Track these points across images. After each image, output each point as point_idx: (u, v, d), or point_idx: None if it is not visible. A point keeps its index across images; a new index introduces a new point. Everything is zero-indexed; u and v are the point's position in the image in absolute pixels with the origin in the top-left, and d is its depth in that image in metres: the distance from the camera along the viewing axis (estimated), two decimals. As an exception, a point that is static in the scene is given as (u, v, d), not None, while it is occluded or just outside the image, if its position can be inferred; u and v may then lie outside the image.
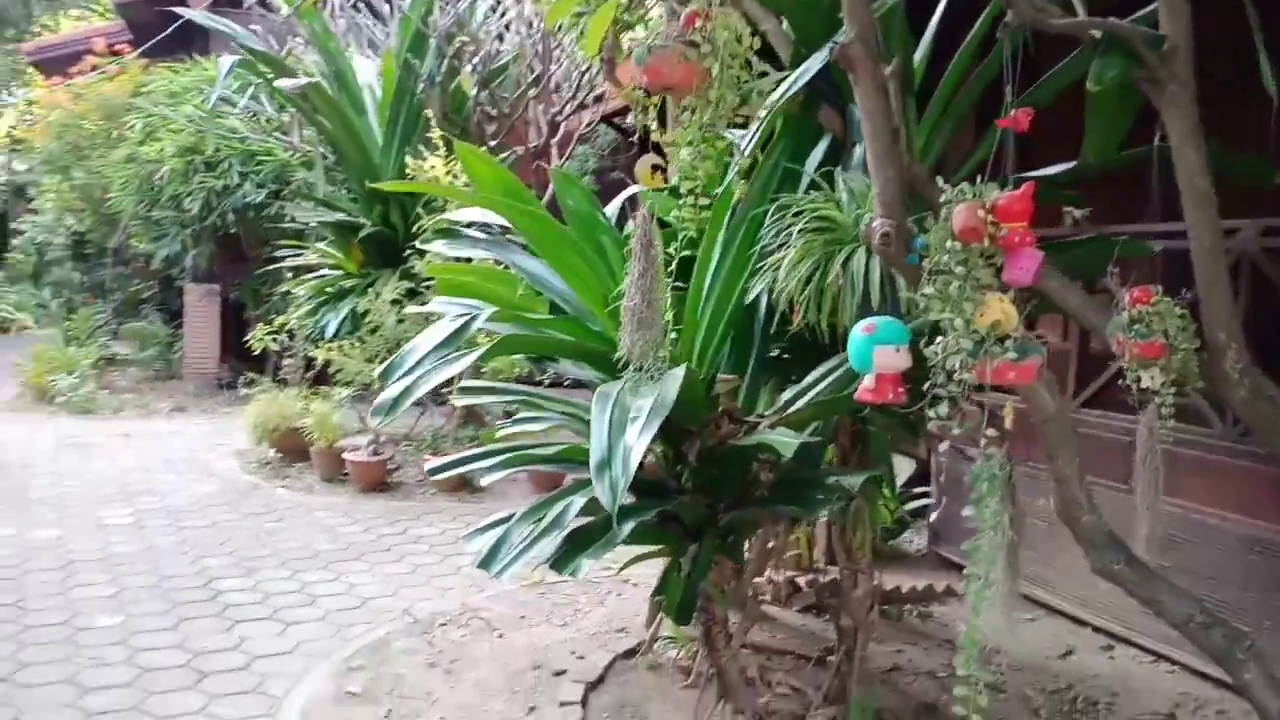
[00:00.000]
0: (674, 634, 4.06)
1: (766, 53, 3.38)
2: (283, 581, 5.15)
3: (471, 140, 8.44)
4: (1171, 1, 2.60)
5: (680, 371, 2.44)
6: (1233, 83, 3.23)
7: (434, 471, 3.31)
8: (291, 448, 7.87)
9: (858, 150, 3.05)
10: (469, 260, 3.88)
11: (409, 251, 7.22)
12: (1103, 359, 4.52)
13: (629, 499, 3.15)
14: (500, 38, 8.58)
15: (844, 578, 3.66)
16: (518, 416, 3.48)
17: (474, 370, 6.74)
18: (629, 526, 2.76)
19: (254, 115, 10.14)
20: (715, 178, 2.88)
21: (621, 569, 3.85)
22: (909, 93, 3.27)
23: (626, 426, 2.25)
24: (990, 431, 2.08)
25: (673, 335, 2.70)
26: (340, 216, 8.72)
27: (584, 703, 3.71)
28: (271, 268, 9.73)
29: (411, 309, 6.32)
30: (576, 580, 5.06)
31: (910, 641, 4.42)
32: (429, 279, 5.65)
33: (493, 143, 8.48)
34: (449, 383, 3.91)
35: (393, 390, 2.64)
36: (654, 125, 2.47)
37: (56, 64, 15.16)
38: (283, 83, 7.99)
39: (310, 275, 8.77)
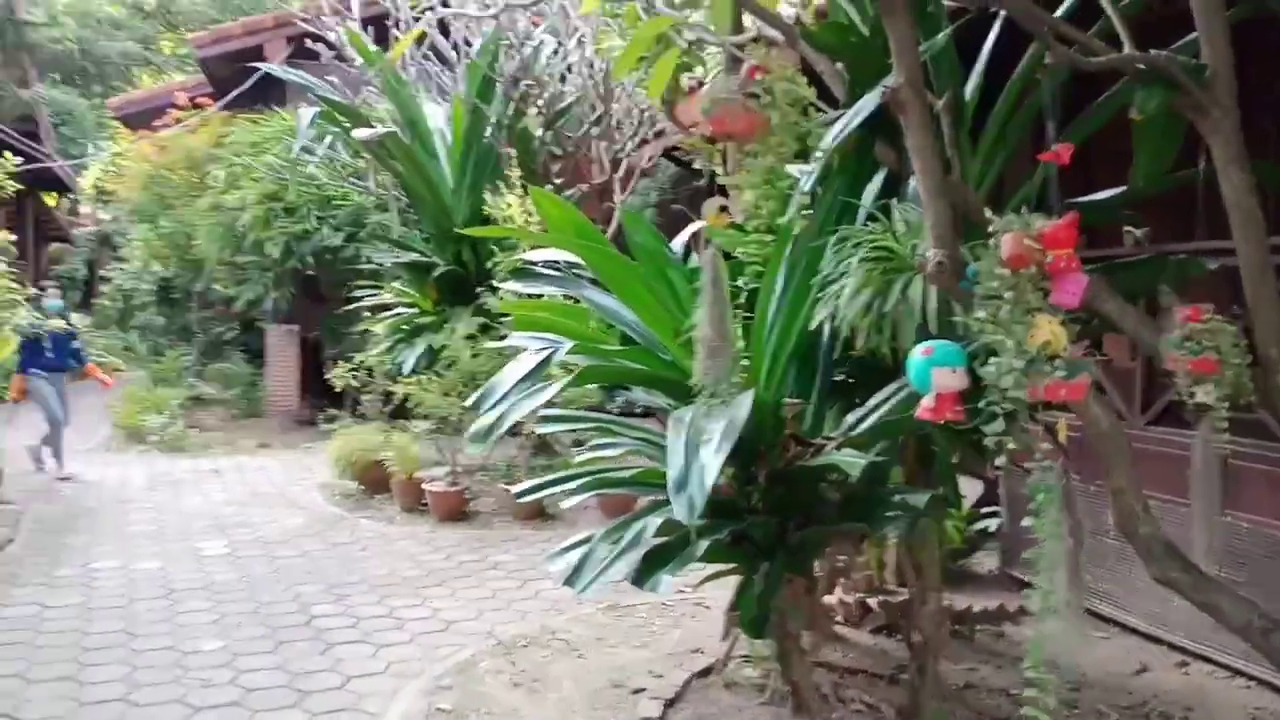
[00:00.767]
0: (750, 652, 4.18)
1: (823, 93, 3.57)
2: (371, 606, 5.39)
3: (537, 179, 8.75)
4: (1211, 32, 2.73)
5: (749, 396, 2.60)
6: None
7: (520, 495, 3.51)
8: (373, 480, 8.17)
9: (912, 183, 3.19)
10: (540, 296, 4.09)
11: (481, 289, 7.51)
12: (1170, 377, 4.57)
13: (703, 518, 3.32)
14: (563, 79, 8.86)
15: (914, 595, 3.77)
16: (593, 443, 3.66)
17: (550, 401, 6.97)
18: (704, 544, 2.92)
19: (331, 162, 10.57)
20: (777, 212, 3.04)
21: (697, 587, 3.99)
22: (961, 125, 3.41)
23: (701, 448, 2.42)
24: (1045, 445, 2.20)
25: (743, 362, 2.85)
26: (414, 256, 9.04)
27: (663, 719, 3.85)
28: (349, 307, 10.09)
29: (488, 344, 6.57)
30: (652, 603, 5.25)
31: (983, 660, 4.48)
32: (502, 315, 5.89)
33: (558, 180, 8.75)
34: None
35: (486, 420, 2.84)
36: (719, 169, 2.64)
37: (141, 118, 15.88)
38: (360, 133, 8.36)
39: (386, 314, 9.09)
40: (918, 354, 2.29)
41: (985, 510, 5.42)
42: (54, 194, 25.60)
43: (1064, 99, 3.30)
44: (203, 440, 11.11)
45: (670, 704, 3.99)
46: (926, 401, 2.30)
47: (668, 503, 2.63)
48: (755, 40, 3.26)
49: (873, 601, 4.91)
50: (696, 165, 2.74)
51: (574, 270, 3.78)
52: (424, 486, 7.64)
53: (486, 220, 7.86)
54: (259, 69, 10.69)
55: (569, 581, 2.93)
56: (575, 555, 3.03)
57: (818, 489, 3.34)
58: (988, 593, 5.13)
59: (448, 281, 8.71)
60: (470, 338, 7.36)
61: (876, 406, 3.28)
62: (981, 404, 2.20)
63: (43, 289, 9.75)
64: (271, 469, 9.81)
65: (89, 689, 4.25)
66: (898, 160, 3.47)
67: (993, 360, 2.18)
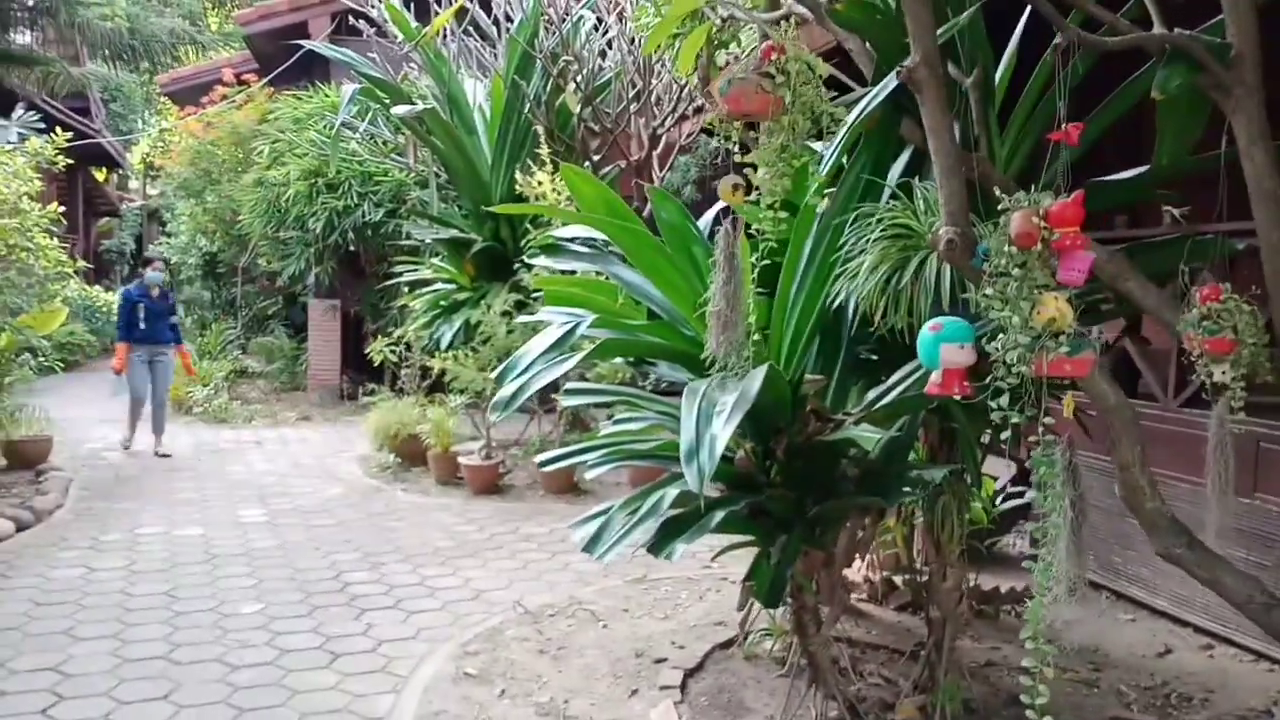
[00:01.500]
0: (770, 626, 4.25)
1: (853, 70, 3.57)
2: (404, 575, 5.52)
3: (576, 155, 8.79)
4: (1238, 13, 2.71)
5: (763, 370, 2.65)
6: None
7: (544, 464, 3.58)
8: (410, 453, 8.33)
9: (937, 160, 3.20)
10: (574, 273, 4.15)
11: (518, 265, 7.59)
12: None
13: (721, 490, 3.39)
14: (603, 55, 8.88)
15: (933, 571, 3.80)
16: (617, 417, 3.73)
17: (580, 377, 7.05)
18: (720, 515, 2.98)
19: (372, 138, 10.69)
20: (802, 189, 3.07)
21: (715, 557, 4.05)
22: (989, 103, 3.41)
23: (713, 419, 2.47)
24: (1048, 420, 2.23)
25: (756, 338, 2.90)
26: (453, 233, 9.13)
27: (683, 687, 3.93)
28: (389, 283, 10.24)
29: (521, 319, 6.66)
30: (678, 577, 5.33)
31: (1006, 640, 4.51)
32: (537, 291, 5.97)
33: (596, 157, 8.78)
34: (557, 391, 4.21)
35: (508, 389, 2.92)
36: (735, 148, 2.68)
37: (189, 94, 16.12)
38: (399, 109, 8.45)
39: (425, 289, 9.21)
40: (927, 330, 2.33)
41: (1014, 490, 5.42)
42: (104, 169, 26.14)
43: (1098, 79, 3.30)
44: (246, 412, 11.35)
45: (691, 674, 4.07)
46: (935, 377, 2.33)
47: (686, 474, 2.68)
48: (786, 18, 3.29)
49: (899, 579, 4.96)
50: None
51: (604, 247, 3.83)
52: (459, 460, 7.77)
53: (523, 197, 7.93)
54: (302, 46, 10.82)
55: (588, 548, 3.01)
56: (595, 524, 3.10)
57: (836, 464, 3.38)
58: (1016, 574, 5.15)
59: (485, 257, 8.80)
60: (506, 313, 7.45)
61: (897, 383, 3.31)
62: (987, 379, 2.22)
63: (147, 260, 9.81)
64: (312, 441, 10.02)
65: (131, 647, 4.41)
66: (924, 138, 3.48)
67: (1000, 336, 2.21)
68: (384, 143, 10.67)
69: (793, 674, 3.86)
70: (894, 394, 3.24)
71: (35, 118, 11.77)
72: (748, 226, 3.08)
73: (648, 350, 3.48)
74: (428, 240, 9.57)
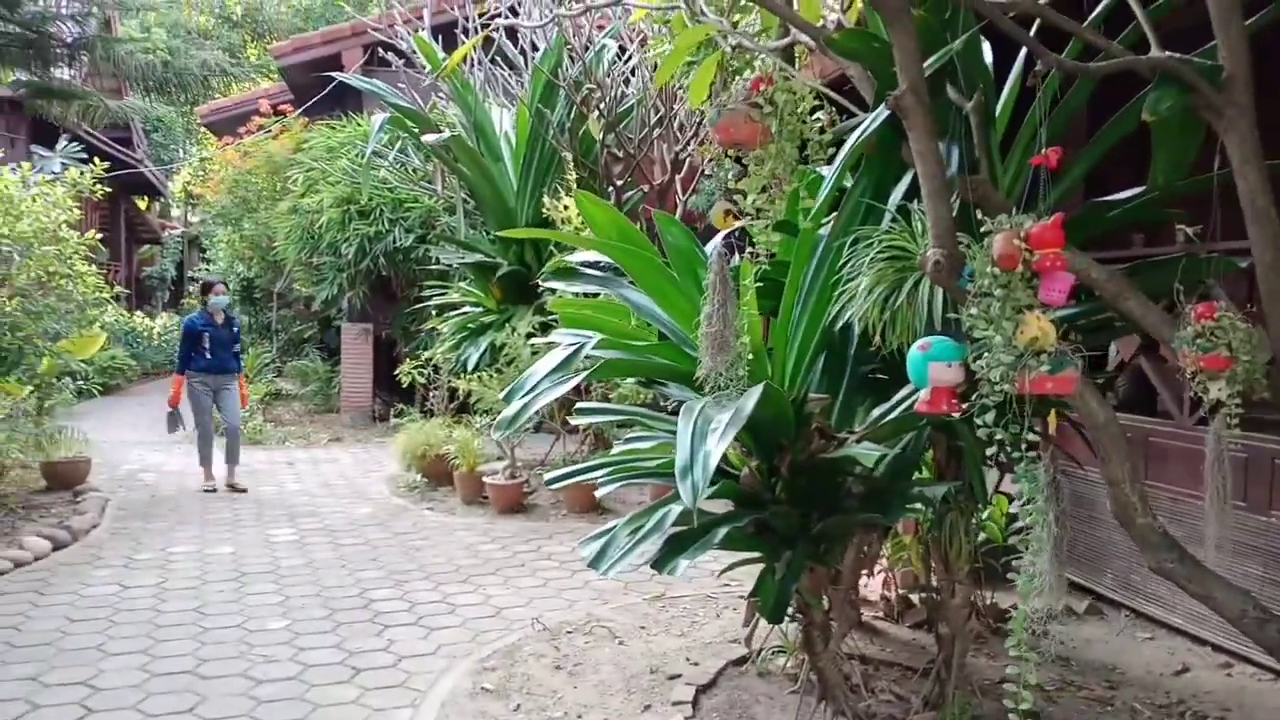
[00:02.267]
0: (782, 643, 4.29)
1: (860, 97, 3.65)
2: (427, 592, 5.62)
3: (600, 181, 8.93)
4: (1230, 36, 2.77)
5: (759, 388, 2.72)
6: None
7: (552, 481, 3.67)
8: (436, 473, 8.46)
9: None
10: (595, 295, 4.25)
11: (542, 288, 7.70)
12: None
13: (727, 507, 3.45)
14: (626, 82, 9.02)
15: (942, 588, 3.84)
16: (628, 435, 3.81)
17: (603, 398, 7.15)
18: (723, 531, 3.05)
19: (402, 166, 10.91)
20: (794, 212, 3.14)
21: (721, 573, 4.11)
22: (990, 126, 3.47)
23: (707, 436, 2.54)
24: (1031, 436, 2.28)
25: (751, 357, 2.97)
26: (479, 257, 9.29)
27: (695, 703, 3.98)
28: (419, 306, 10.41)
29: (543, 340, 6.77)
30: (695, 595, 5.38)
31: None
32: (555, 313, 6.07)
33: (619, 182, 8.92)
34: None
35: (513, 408, 3.01)
36: (729, 175, 2.76)
37: (227, 124, 16.51)
38: (428, 137, 8.65)
39: (454, 312, 9.37)
40: (915, 349, 2.39)
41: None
42: (146, 198, 26.75)
43: (1113, 101, 3.35)
44: (279, 434, 11.56)
45: (704, 690, 4.12)
46: (924, 395, 2.39)
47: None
48: (792, 46, 3.38)
49: (914, 597, 4.98)
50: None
51: (615, 270, 3.93)
52: (484, 479, 7.88)
53: (547, 222, 8.06)
54: (334, 78, 11.08)
55: (593, 564, 3.09)
56: (600, 541, 3.18)
57: (840, 481, 3.44)
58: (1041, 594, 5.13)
59: (511, 281, 8.94)
60: (530, 335, 7.57)
61: (900, 402, 3.37)
62: (974, 397, 2.28)
63: (207, 286, 8.97)
64: (342, 461, 10.18)
65: (160, 662, 4.54)
66: (923, 162, 3.55)
67: (985, 355, 2.26)
68: (414, 170, 10.88)
69: (806, 691, 3.90)
70: (896, 412, 3.30)
71: (78, 149, 12.13)
72: (751, 246, 3.16)
73: (651, 370, 3.56)
74: (455, 264, 9.74)
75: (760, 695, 4.07)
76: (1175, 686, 4.23)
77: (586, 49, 8.66)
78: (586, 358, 3.13)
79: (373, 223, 11.31)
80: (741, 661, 4.39)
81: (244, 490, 8.49)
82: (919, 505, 3.26)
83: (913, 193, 3.49)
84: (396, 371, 10.15)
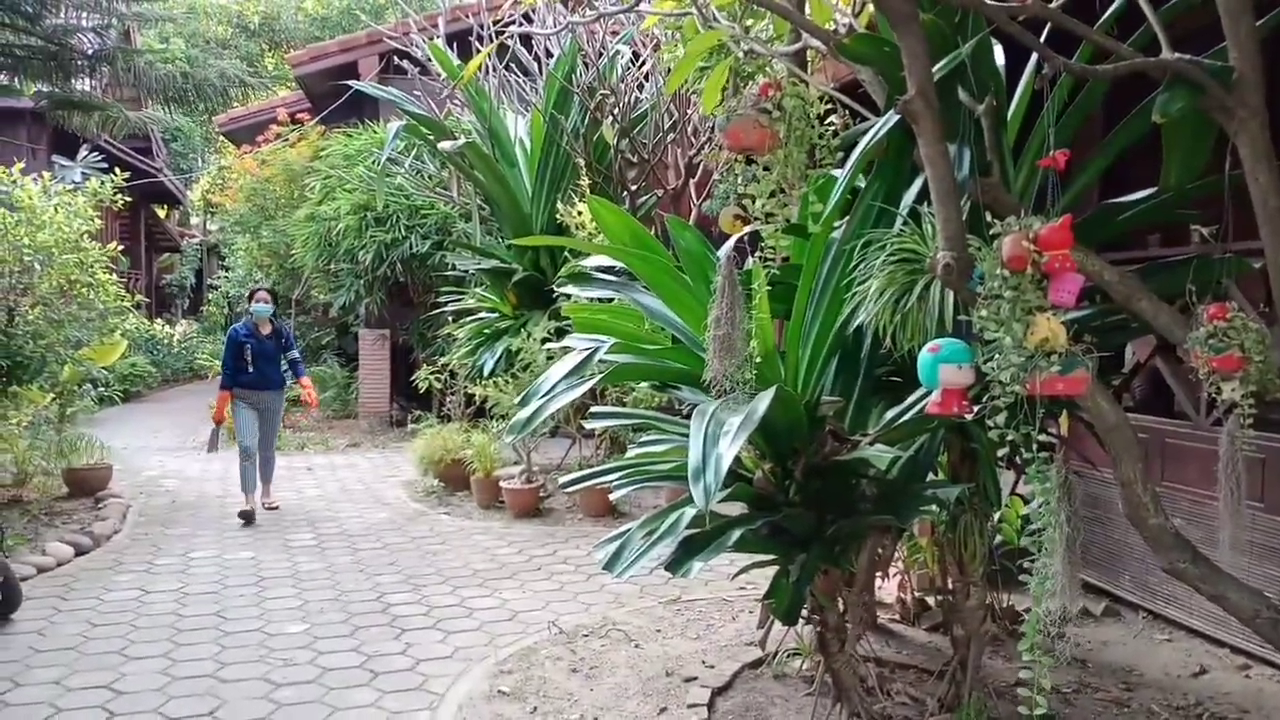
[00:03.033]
0: (798, 646, 4.30)
1: (868, 101, 3.67)
2: (444, 596, 5.65)
3: (614, 186, 8.96)
4: (1240, 36, 2.77)
5: (770, 391, 2.74)
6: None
7: (566, 485, 3.70)
8: (453, 478, 8.50)
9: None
10: (610, 300, 4.27)
11: (557, 294, 7.74)
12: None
13: (741, 510, 3.47)
14: (640, 87, 9.06)
15: (957, 590, 3.84)
16: (642, 439, 3.84)
17: (619, 402, 7.18)
18: (737, 533, 3.07)
19: (418, 173, 10.97)
20: (804, 215, 3.16)
21: (735, 576, 4.12)
22: (1001, 129, 3.48)
23: (720, 439, 2.56)
24: (1042, 438, 2.29)
25: (759, 360, 2.98)
26: (495, 263, 9.35)
27: (710, 706, 3.99)
28: (436, 312, 10.47)
29: (555, 346, 6.80)
30: (711, 598, 5.40)
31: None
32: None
33: (634, 187, 8.95)
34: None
35: (525, 411, 3.04)
36: (739, 180, 2.78)
37: (245, 133, 16.66)
38: (444, 145, 8.70)
39: (470, 318, 9.42)
40: (926, 351, 2.41)
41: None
42: (165, 206, 26.98)
43: (1129, 102, 3.36)
44: (298, 440, 11.63)
45: (719, 692, 4.13)
46: (935, 397, 2.41)
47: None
48: (804, 51, 3.39)
49: (931, 599, 4.98)
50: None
51: (629, 275, 3.95)
52: (501, 484, 7.92)
53: (562, 227, 8.10)
54: (351, 86, 11.17)
55: (608, 566, 3.11)
56: (615, 544, 3.20)
57: (854, 483, 3.45)
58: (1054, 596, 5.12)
59: (526, 287, 8.99)
60: (545, 340, 7.60)
61: (914, 404, 3.37)
62: (984, 399, 2.29)
63: (251, 293, 8.29)
64: (360, 467, 10.24)
65: (181, 665, 4.59)
66: (934, 165, 3.56)
67: (994, 356, 2.28)
68: (429, 177, 10.95)
69: (821, 693, 3.91)
70: (910, 415, 3.31)
71: (98, 159, 12.27)
72: (763, 250, 3.18)
73: (665, 374, 3.58)
74: (471, 270, 9.79)
75: (776, 697, 4.09)
76: (1193, 688, 4.21)
77: (600, 55, 8.69)
78: (600, 362, 3.16)
79: (389, 230, 11.38)
80: (757, 664, 4.41)
81: (276, 508, 7.99)
82: (933, 507, 3.26)
83: (924, 196, 3.50)
84: (414, 377, 10.23)
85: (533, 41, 9.30)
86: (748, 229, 2.81)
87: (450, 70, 9.25)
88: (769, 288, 2.97)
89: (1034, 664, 2.51)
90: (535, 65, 9.47)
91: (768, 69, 3.78)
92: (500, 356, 8.46)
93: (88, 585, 5.88)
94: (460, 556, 6.55)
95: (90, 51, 9.68)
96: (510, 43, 9.02)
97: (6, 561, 5.40)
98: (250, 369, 7.84)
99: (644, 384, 4.83)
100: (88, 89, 10.68)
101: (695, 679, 4.27)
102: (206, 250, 26.26)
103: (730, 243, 3.96)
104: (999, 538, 4.44)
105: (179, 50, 21.54)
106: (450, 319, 9.84)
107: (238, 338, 7.92)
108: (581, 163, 8.82)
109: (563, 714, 3.99)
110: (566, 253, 8.12)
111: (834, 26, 3.55)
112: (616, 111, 8.75)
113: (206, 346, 19.31)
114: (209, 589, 5.83)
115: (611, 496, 3.63)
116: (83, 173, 11.06)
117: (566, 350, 3.90)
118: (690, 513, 3.11)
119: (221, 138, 21.42)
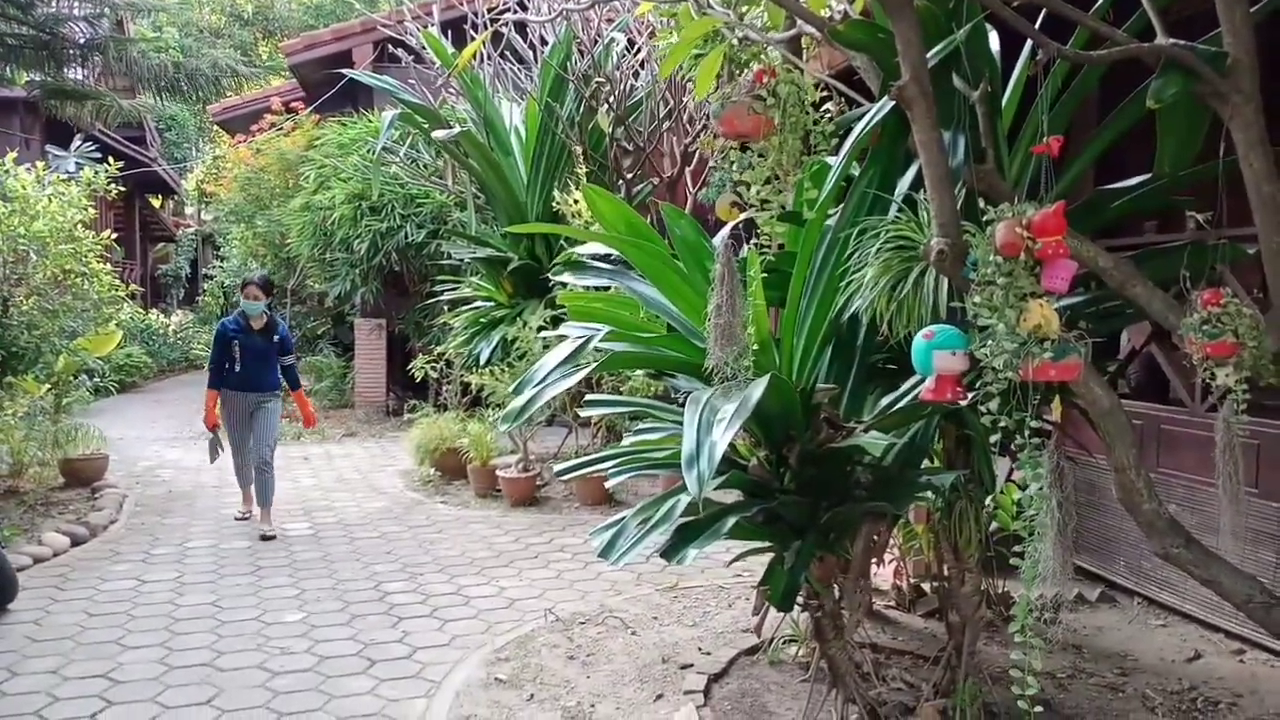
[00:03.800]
0: (794, 632, 4.32)
1: (863, 87, 3.66)
2: (441, 585, 5.66)
3: (609, 174, 8.94)
4: (1235, 21, 2.76)
5: (765, 379, 2.74)
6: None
7: (561, 472, 3.70)
8: (450, 466, 8.51)
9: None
10: (605, 288, 4.27)
11: (553, 282, 7.73)
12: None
13: (736, 497, 3.47)
14: (635, 75, 9.03)
15: (952, 576, 3.85)
16: (638, 427, 3.84)
17: (615, 391, 7.18)
18: (732, 520, 3.07)
19: (413, 162, 10.94)
20: (800, 203, 3.16)
21: (730, 563, 4.13)
22: (996, 116, 3.47)
23: (713, 427, 2.56)
24: (1035, 424, 2.30)
25: (756, 347, 2.98)
26: (490, 252, 9.32)
27: (706, 692, 4.01)
28: (431, 301, 10.46)
29: (551, 334, 6.79)
30: (708, 585, 5.41)
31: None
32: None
33: (629, 175, 8.92)
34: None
35: (519, 400, 3.04)
36: (734, 168, 2.78)
37: (239, 122, 16.57)
38: (438, 133, 8.68)
39: (465, 307, 9.41)
40: (920, 337, 2.41)
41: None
42: (159, 196, 26.90)
43: (1124, 88, 3.35)
44: (294, 430, 11.58)
45: (715, 678, 4.15)
46: (929, 383, 2.41)
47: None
48: (799, 38, 3.38)
49: (926, 586, 4.99)
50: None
51: (625, 264, 3.94)
52: (497, 473, 7.93)
53: (557, 216, 8.09)
54: (345, 75, 11.12)
55: (603, 553, 3.12)
56: (610, 532, 3.21)
57: (849, 470, 3.45)
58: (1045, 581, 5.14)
59: (522, 275, 8.97)
60: (541, 329, 7.60)
61: (909, 391, 3.37)
62: (977, 384, 2.30)
63: (244, 284, 7.32)
64: (357, 456, 10.25)
65: (178, 654, 4.60)
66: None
67: (989, 343, 2.28)
68: (424, 166, 10.92)
69: (817, 679, 3.92)
70: (904, 402, 3.31)
71: (92, 148, 12.23)
72: (758, 237, 3.18)
73: (660, 362, 3.58)
74: (467, 259, 9.77)
75: (772, 684, 4.10)
76: (1187, 673, 4.23)
77: (595, 43, 8.66)
78: (595, 350, 3.16)
79: (384, 219, 11.36)
80: (753, 651, 4.42)
81: (273, 538, 6.82)
82: (928, 494, 3.27)
83: (919, 183, 3.49)
84: (410, 366, 10.21)
85: (528, 29, 9.26)
86: (743, 216, 2.80)
87: (445, 58, 9.21)
88: (764, 275, 2.95)
89: (1024, 646, 2.50)
90: (530, 53, 9.42)
91: (762, 55, 3.78)
92: (496, 345, 8.45)
93: (84, 575, 5.88)
94: (457, 545, 6.56)
95: (83, 40, 9.64)
96: (505, 30, 8.98)
97: (3, 552, 5.40)
98: (238, 366, 7.01)
99: (640, 372, 4.83)
100: (80, 78, 10.64)
101: (691, 666, 4.28)
102: (201, 240, 26.22)
103: (725, 230, 3.96)
104: (994, 524, 4.46)
105: (172, 39, 21.45)
106: (446, 308, 9.82)
107: (225, 332, 7.10)
108: (577, 151, 8.80)
109: (559, 701, 4.01)
110: (562, 241, 8.11)
111: (829, 13, 3.54)
112: (612, 99, 8.71)
113: (202, 337, 19.30)
114: (205, 578, 5.83)
115: (607, 484, 3.64)
116: (77, 162, 11.02)
117: (562, 338, 3.91)
118: (685, 500, 3.11)
119: (216, 127, 21.34)
